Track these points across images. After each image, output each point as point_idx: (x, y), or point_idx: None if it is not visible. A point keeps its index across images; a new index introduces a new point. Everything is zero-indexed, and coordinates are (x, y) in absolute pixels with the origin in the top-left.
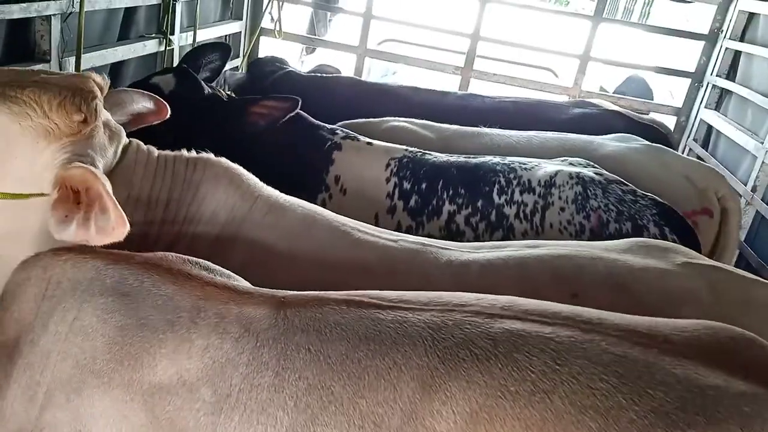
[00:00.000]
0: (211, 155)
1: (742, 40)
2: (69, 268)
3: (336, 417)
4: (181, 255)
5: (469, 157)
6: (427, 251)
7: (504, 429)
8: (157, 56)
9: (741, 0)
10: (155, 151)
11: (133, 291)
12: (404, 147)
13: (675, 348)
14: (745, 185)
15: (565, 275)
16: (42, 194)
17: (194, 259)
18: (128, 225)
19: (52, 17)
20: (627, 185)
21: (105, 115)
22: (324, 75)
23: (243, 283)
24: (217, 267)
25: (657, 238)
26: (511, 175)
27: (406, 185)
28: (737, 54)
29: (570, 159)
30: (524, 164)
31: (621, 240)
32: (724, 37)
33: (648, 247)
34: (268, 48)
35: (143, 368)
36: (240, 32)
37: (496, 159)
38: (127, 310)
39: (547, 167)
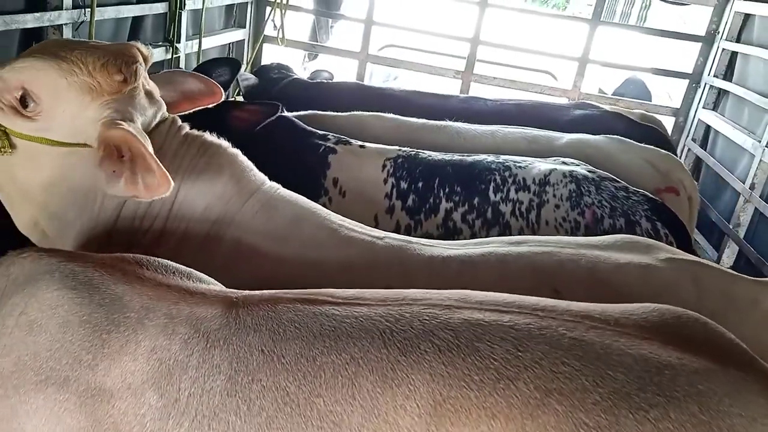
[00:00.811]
0: (223, 142)
1: (738, 40)
2: (27, 265)
3: (293, 419)
4: (138, 255)
5: (464, 156)
6: (409, 248)
7: (470, 419)
8: (164, 64)
9: (737, 1)
10: (186, 128)
11: (80, 288)
12: (396, 147)
13: (627, 330)
14: (744, 183)
15: (546, 271)
16: (84, 145)
17: (152, 258)
18: (172, 182)
19: (64, 26)
20: (619, 182)
21: (150, 85)
22: (329, 81)
23: (207, 285)
24: (178, 266)
25: (649, 233)
26: (507, 173)
27: (403, 185)
28: (734, 54)
29: (563, 159)
30: (519, 163)
31: (605, 236)
32: (721, 38)
33: (632, 243)
34: (271, 55)
35: (81, 367)
36: (243, 40)
37: (491, 157)
38: (71, 305)
39: (541, 166)
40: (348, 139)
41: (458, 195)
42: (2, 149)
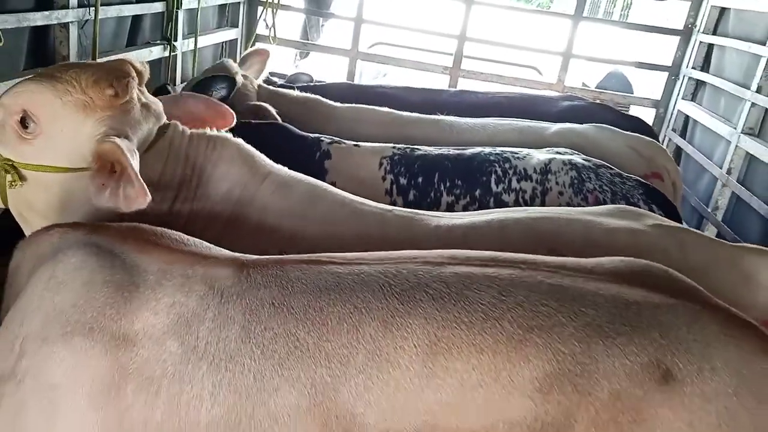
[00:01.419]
0: (229, 135)
1: (714, 33)
2: (54, 238)
3: (303, 360)
4: (152, 226)
5: (460, 150)
6: (417, 218)
7: (461, 354)
8: (162, 62)
9: None
10: (188, 131)
11: (102, 253)
12: (390, 145)
13: (599, 277)
14: (721, 168)
15: (544, 234)
16: (88, 168)
17: (165, 230)
18: (149, 195)
19: (71, 24)
20: (612, 168)
21: (148, 98)
22: (322, 84)
23: (216, 251)
24: (190, 237)
25: None
26: (506, 165)
27: (403, 181)
28: (710, 47)
29: (556, 149)
30: (516, 154)
31: (599, 206)
32: (698, 31)
33: (624, 212)
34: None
35: (105, 320)
36: (236, 39)
37: (488, 150)
38: (94, 267)
39: (538, 156)
40: (340, 139)
41: (459, 188)
42: (13, 183)
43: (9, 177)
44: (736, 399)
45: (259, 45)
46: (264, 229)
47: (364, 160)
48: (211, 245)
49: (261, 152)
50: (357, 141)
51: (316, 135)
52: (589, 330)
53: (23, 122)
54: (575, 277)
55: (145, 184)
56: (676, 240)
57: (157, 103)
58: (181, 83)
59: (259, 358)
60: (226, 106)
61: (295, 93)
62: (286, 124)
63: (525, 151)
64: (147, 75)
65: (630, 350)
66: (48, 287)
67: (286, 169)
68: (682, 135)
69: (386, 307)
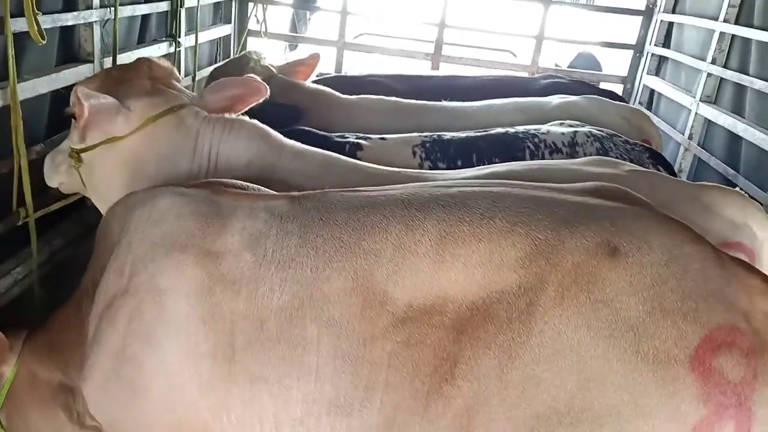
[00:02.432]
0: (245, 117)
1: (673, 12)
2: (139, 195)
3: (346, 256)
4: (220, 179)
5: (486, 131)
6: (424, 176)
7: (465, 243)
8: (166, 57)
9: None
10: (203, 113)
11: (185, 195)
12: (416, 134)
13: (570, 191)
14: (683, 134)
15: (540, 178)
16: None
17: (230, 180)
18: (107, 98)
19: (94, 23)
20: (620, 136)
21: (169, 86)
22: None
23: (270, 191)
24: (249, 185)
25: None
26: (536, 140)
27: (442, 165)
28: (671, 25)
29: (566, 121)
30: (539, 129)
31: (583, 158)
32: (659, 11)
33: (603, 161)
34: (255, 47)
35: (195, 239)
36: (230, 34)
37: (512, 130)
38: (182, 204)
39: (559, 129)
40: (364, 134)
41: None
42: (76, 165)
43: (73, 162)
44: (666, 268)
45: (251, 39)
46: (287, 190)
47: (396, 151)
48: (265, 188)
49: None
50: (369, 131)
51: (339, 133)
52: (559, 222)
53: (73, 115)
54: (552, 191)
55: (86, 108)
56: (648, 181)
57: (176, 93)
58: (184, 77)
59: (313, 256)
60: (256, 79)
61: (307, 85)
62: (308, 128)
63: (543, 127)
64: (172, 72)
65: (588, 234)
66: (147, 223)
67: (299, 143)
68: (648, 107)
69: (407, 214)
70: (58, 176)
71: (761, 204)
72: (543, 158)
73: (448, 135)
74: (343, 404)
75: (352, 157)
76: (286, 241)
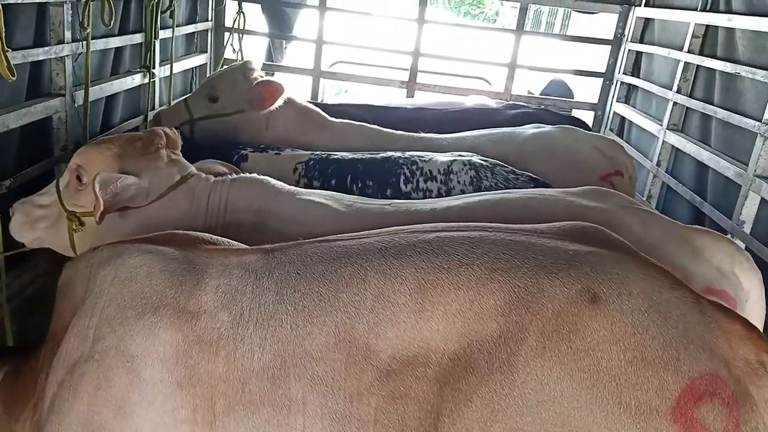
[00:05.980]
0: (248, 174)
1: (641, 41)
2: (105, 252)
3: (326, 310)
4: (184, 231)
5: (373, 154)
6: (413, 209)
7: (443, 291)
8: (141, 88)
9: (638, 9)
10: (212, 178)
11: (153, 252)
12: (308, 152)
13: (548, 235)
14: (652, 161)
15: (532, 211)
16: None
17: (196, 233)
18: (101, 208)
19: (66, 57)
20: (507, 167)
21: (177, 156)
22: None
23: (242, 245)
24: (217, 237)
25: None
26: (414, 167)
27: (316, 184)
28: (639, 54)
29: (459, 152)
30: (423, 157)
31: (578, 188)
32: (627, 40)
33: (599, 192)
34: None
35: (167, 299)
36: (206, 63)
37: (398, 153)
38: (151, 263)
39: (442, 158)
40: (266, 146)
41: (371, 188)
42: (75, 228)
43: (73, 225)
44: (647, 315)
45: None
46: (284, 229)
47: (280, 166)
48: (236, 242)
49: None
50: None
51: (243, 145)
52: (538, 268)
53: (79, 178)
54: (530, 235)
55: (102, 201)
56: (639, 218)
57: (182, 161)
58: (160, 106)
59: (292, 313)
60: (232, 166)
61: (298, 102)
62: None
63: (431, 154)
64: (179, 141)
65: (567, 281)
66: (114, 284)
67: (294, 187)
68: (620, 134)
69: (385, 262)
70: (33, 233)
71: (732, 236)
72: (417, 184)
73: (336, 155)
74: None
75: (237, 166)
76: (263, 298)
